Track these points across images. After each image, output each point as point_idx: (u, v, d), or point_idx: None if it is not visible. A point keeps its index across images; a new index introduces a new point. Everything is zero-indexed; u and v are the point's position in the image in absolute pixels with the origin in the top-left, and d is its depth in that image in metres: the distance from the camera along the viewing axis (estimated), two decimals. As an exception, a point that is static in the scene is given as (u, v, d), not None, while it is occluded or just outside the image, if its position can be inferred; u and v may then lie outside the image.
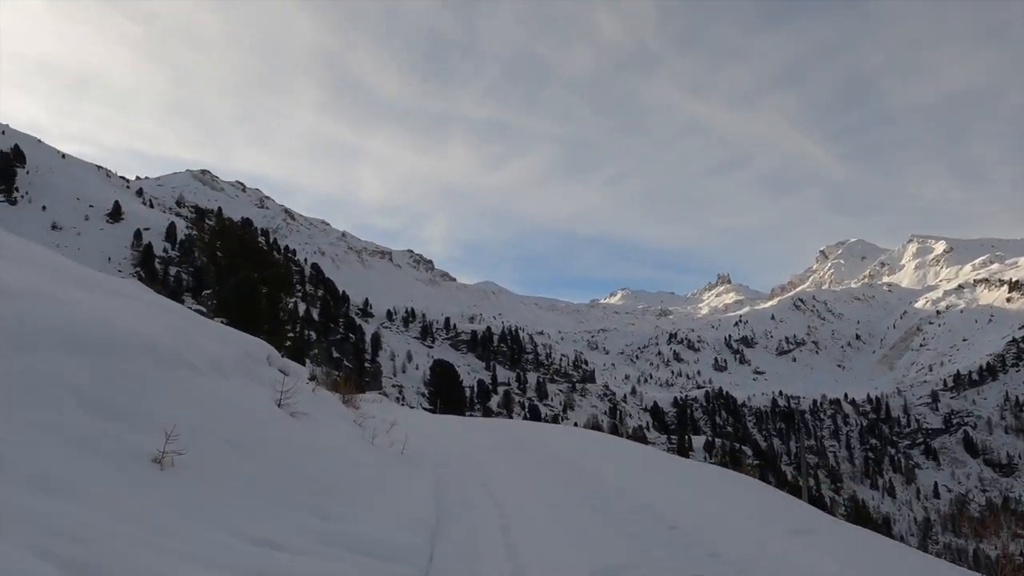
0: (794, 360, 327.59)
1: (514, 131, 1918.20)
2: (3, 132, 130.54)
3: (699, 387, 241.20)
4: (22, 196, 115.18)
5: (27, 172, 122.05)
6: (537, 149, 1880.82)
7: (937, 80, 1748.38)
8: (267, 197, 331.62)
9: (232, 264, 27.85)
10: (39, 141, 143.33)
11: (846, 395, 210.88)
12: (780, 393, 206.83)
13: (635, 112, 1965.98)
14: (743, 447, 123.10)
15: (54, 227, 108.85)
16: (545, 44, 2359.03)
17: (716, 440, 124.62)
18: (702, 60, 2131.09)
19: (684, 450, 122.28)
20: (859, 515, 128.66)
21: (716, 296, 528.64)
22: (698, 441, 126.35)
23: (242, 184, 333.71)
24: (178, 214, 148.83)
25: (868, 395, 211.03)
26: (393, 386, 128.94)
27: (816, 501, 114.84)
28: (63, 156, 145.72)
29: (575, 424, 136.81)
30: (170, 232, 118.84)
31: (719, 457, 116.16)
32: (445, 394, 65.74)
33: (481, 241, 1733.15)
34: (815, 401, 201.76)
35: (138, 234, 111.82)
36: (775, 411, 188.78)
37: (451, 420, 26.12)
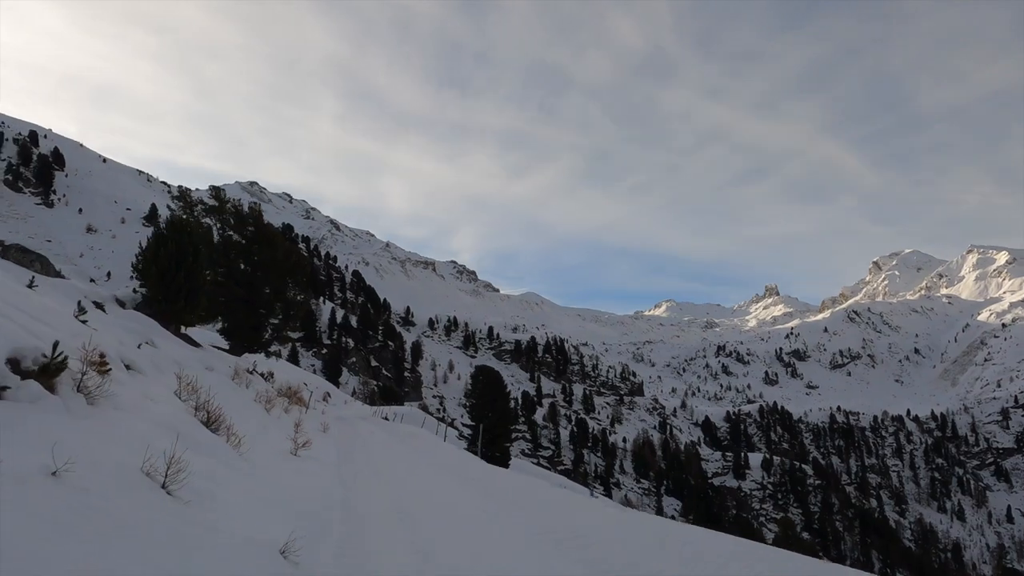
0: (849, 374, 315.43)
1: (535, 140, 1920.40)
2: (45, 136, 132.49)
3: (750, 401, 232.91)
4: (59, 199, 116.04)
5: (66, 175, 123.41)
6: (559, 158, 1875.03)
7: (969, 81, 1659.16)
8: (313, 208, 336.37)
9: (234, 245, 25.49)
10: (81, 145, 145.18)
11: (908, 411, 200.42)
12: (838, 409, 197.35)
13: (655, 119, 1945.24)
14: (803, 465, 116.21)
15: (89, 229, 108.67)
16: (559, 50, 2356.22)
17: (774, 458, 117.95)
18: (720, 64, 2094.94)
19: (740, 468, 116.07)
20: (926, 541, 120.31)
21: (764, 308, 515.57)
22: (755, 459, 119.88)
23: (288, 195, 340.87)
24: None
25: (932, 412, 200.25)
26: (434, 396, 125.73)
27: (880, 525, 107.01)
28: (104, 160, 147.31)
29: (623, 439, 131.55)
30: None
31: (778, 476, 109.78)
32: (489, 408, 61.19)
33: (511, 251, 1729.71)
34: (875, 417, 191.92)
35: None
36: (833, 427, 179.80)
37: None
